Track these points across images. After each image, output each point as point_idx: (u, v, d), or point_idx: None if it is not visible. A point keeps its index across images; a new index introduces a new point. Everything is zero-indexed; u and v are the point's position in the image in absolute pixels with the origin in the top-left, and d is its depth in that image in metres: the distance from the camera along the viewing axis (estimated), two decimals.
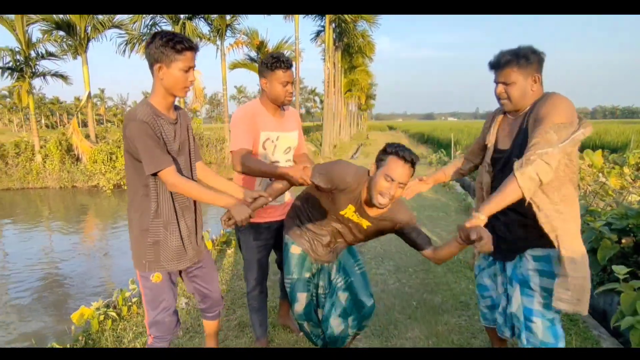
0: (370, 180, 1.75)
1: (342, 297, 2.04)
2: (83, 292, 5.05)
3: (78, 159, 13.16)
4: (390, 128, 54.26)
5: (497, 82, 1.73)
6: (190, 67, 1.63)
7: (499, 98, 1.75)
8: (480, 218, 1.48)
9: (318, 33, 18.55)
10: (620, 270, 2.36)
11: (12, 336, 3.97)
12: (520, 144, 1.69)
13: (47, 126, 65.27)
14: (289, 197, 2.37)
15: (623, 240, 2.85)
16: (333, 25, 17.21)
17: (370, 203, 1.77)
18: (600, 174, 5.24)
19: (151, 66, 1.63)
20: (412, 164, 1.71)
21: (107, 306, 3.07)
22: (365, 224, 1.89)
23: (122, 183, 12.47)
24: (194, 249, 1.86)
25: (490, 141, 1.87)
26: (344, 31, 17.70)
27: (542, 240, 1.65)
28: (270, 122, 2.15)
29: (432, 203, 6.79)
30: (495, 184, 1.76)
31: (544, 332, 1.68)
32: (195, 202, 1.85)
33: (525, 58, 1.65)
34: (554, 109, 1.56)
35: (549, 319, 1.69)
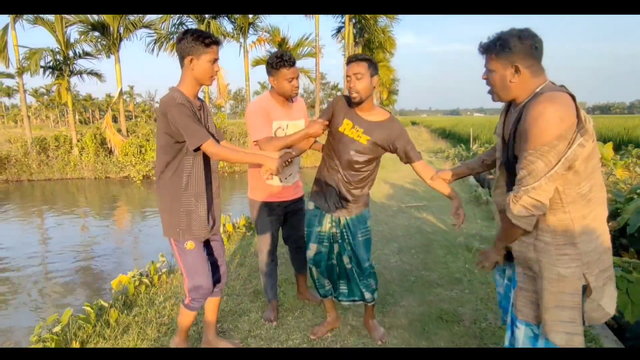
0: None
1: (346, 260, 2.37)
2: (116, 269, 5.58)
3: (111, 152, 14.00)
4: (413, 123, 53.71)
5: (485, 67, 1.59)
6: (216, 59, 1.92)
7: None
8: (496, 257, 1.68)
9: (339, 29, 18.77)
10: None
11: (61, 302, 4.54)
12: (512, 140, 1.55)
13: (80, 122, 68.25)
14: (297, 178, 2.72)
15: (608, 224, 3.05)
16: (353, 21, 17.38)
17: (357, 107, 2.17)
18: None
19: (182, 59, 1.89)
20: (357, 59, 2.10)
21: (141, 275, 3.53)
22: (363, 140, 2.17)
23: (150, 174, 13.20)
24: (215, 220, 2.16)
25: (498, 132, 1.73)
26: (364, 27, 17.84)
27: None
28: (281, 113, 2.49)
29: None
30: (502, 186, 1.70)
31: (523, 340, 1.62)
32: (215, 177, 2.13)
33: (503, 45, 1.46)
34: (535, 126, 1.35)
35: (533, 330, 1.60)
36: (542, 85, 1.46)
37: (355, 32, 19.54)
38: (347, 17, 15.88)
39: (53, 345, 2.39)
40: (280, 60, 2.32)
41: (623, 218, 2.69)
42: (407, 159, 2.21)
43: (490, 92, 1.58)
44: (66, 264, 6.06)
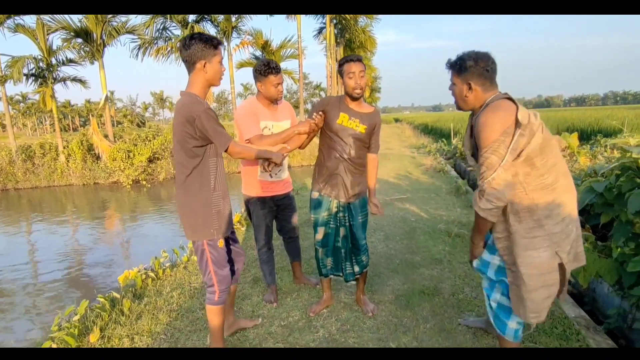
0: (345, 88, 2.45)
1: (347, 241, 2.67)
2: (108, 275, 5.71)
3: (98, 158, 14.01)
4: (396, 120, 54.40)
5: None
6: (222, 59, 2.05)
7: None
8: (477, 250, 1.95)
9: (320, 30, 19.11)
10: None
11: (56, 305, 4.72)
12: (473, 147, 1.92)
13: (60, 129, 66.83)
14: (286, 175, 3.00)
15: None
16: (334, 22, 17.72)
17: (353, 102, 2.48)
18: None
19: (193, 64, 1.93)
20: (358, 59, 2.41)
21: (146, 269, 3.77)
22: (362, 129, 2.49)
23: (140, 178, 13.28)
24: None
25: (465, 143, 2.04)
26: (345, 27, 18.21)
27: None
28: (267, 114, 2.75)
29: (427, 186, 7.40)
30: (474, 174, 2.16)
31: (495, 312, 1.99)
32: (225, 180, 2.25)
33: (460, 65, 1.79)
34: (484, 130, 1.67)
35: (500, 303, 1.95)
36: (491, 97, 1.78)
37: (336, 32, 19.90)
38: (327, 18, 16.20)
39: (76, 332, 2.64)
40: (268, 67, 2.60)
41: (581, 198, 3.07)
42: (367, 148, 2.58)
43: (454, 101, 1.92)
44: (61, 268, 6.19)
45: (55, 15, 13.23)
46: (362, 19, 19.30)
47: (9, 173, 13.64)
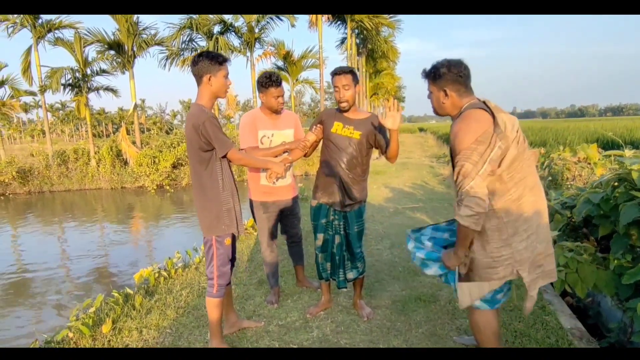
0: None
1: (342, 248, 2.77)
2: (131, 269, 6.07)
3: (126, 163, 14.68)
4: (421, 130, 53.85)
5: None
6: (228, 74, 2.25)
7: None
8: (456, 262, 1.85)
9: (343, 40, 19.36)
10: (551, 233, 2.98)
11: (82, 299, 5.03)
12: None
13: (94, 135, 70.02)
14: (290, 180, 3.11)
15: (569, 213, 3.42)
16: (356, 32, 17.93)
17: (345, 112, 2.60)
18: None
19: (200, 78, 2.16)
20: (343, 72, 2.48)
21: (160, 269, 3.99)
22: (356, 135, 2.58)
23: (164, 183, 13.80)
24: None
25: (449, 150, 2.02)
26: (366, 38, 18.38)
27: None
28: (268, 123, 2.89)
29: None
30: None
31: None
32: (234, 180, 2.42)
33: (435, 73, 1.84)
34: (455, 139, 1.71)
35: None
36: (467, 104, 1.80)
37: (358, 42, 20.12)
38: (349, 28, 16.43)
39: (90, 323, 2.85)
40: (269, 80, 2.74)
41: (578, 209, 3.06)
42: (379, 147, 2.64)
43: (432, 109, 1.98)
44: (87, 265, 6.60)
45: (91, 28, 14.11)
46: (385, 29, 19.46)
47: (45, 176, 14.50)
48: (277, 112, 2.89)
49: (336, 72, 2.50)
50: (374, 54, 22.58)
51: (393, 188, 8.63)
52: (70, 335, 2.76)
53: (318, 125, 2.69)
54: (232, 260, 2.48)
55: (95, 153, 14.95)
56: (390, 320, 2.82)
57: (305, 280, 3.46)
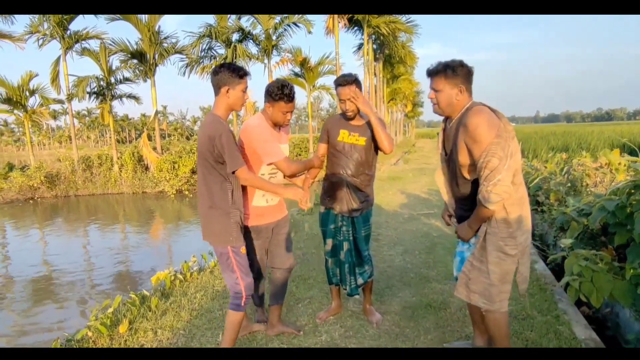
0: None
1: (350, 254, 2.79)
2: (151, 271, 6.23)
3: (147, 168, 15.10)
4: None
5: (430, 88, 1.99)
6: (247, 88, 2.23)
7: (432, 102, 2.02)
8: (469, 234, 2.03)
9: (360, 46, 19.42)
10: (565, 242, 2.93)
11: (104, 298, 5.20)
12: (451, 152, 2.02)
13: (118, 141, 72.28)
14: (278, 199, 2.62)
15: (585, 221, 3.35)
16: (373, 37, 17.97)
17: (350, 119, 2.62)
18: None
19: (219, 89, 2.15)
20: (348, 82, 2.48)
21: (176, 272, 4.10)
22: (362, 141, 2.60)
23: (183, 189, 14.10)
24: None
25: (439, 145, 2.19)
26: (383, 43, 18.39)
27: None
28: (275, 136, 2.50)
29: None
30: (450, 184, 2.15)
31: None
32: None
33: (452, 70, 1.87)
34: (477, 135, 1.77)
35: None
36: (469, 102, 1.92)
37: (375, 47, 20.14)
38: (365, 34, 16.48)
39: (108, 323, 2.96)
40: (281, 93, 2.34)
41: (593, 217, 2.99)
42: (372, 161, 2.68)
43: (434, 106, 2.01)
44: (109, 267, 6.82)
45: (115, 38, 14.65)
46: (402, 35, 19.42)
47: (71, 181, 15.05)
48: (280, 127, 2.55)
49: (340, 84, 2.50)
50: (391, 59, 22.55)
51: (409, 194, 8.58)
52: (90, 334, 2.87)
53: (325, 134, 2.74)
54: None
55: (118, 159, 15.44)
56: (399, 326, 2.82)
57: (279, 324, 2.76)
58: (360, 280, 2.81)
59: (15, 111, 16.30)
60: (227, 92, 2.16)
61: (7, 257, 8.37)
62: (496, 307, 1.96)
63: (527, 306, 2.88)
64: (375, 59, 21.14)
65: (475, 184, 1.92)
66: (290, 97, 2.37)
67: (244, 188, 2.40)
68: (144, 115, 73.75)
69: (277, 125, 2.50)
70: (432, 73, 1.94)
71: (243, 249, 2.28)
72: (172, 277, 3.94)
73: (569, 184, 5.33)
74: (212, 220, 2.22)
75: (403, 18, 17.08)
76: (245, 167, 2.17)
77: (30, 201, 14.60)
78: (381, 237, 5.12)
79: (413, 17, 16.84)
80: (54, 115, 75.74)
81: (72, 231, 10.25)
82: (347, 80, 2.50)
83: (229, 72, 2.14)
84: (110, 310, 3.20)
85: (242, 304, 2.29)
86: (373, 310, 2.97)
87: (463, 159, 1.92)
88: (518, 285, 2.01)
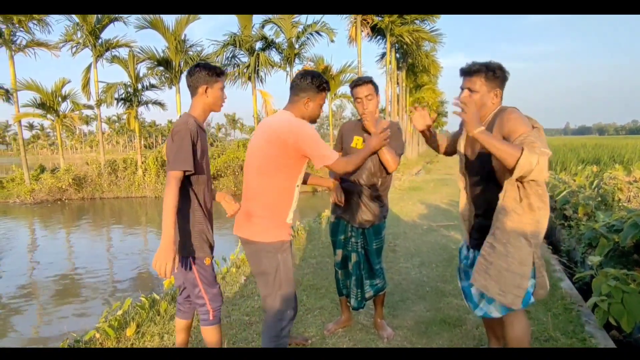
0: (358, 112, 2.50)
1: (360, 267, 2.69)
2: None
3: None
4: None
5: (463, 87, 1.89)
6: (224, 87, 2.11)
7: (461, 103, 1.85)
8: (478, 129, 1.70)
9: (382, 55, 19.35)
10: (593, 259, 2.74)
11: (123, 297, 5.27)
12: (480, 154, 1.93)
13: (145, 146, 74.67)
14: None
15: (616, 238, 3.13)
16: (396, 46, 17.88)
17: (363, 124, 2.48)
18: None
19: (196, 89, 2.03)
20: (364, 82, 2.40)
21: None
22: None
23: None
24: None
25: (461, 149, 2.08)
26: (406, 52, 18.26)
27: None
28: None
29: None
30: (469, 189, 2.06)
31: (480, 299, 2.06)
32: (211, 203, 2.16)
33: (493, 72, 1.81)
34: (515, 122, 1.73)
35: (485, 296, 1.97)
36: (498, 107, 1.89)
37: (398, 56, 20.02)
38: (388, 43, 16.41)
39: (116, 325, 2.96)
40: (326, 84, 2.09)
41: (624, 234, 2.79)
42: (385, 170, 2.53)
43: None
44: (129, 268, 6.95)
45: (143, 46, 15.14)
46: (426, 44, 19.24)
47: (97, 184, 15.52)
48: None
49: (357, 84, 2.44)
50: (414, 68, 22.36)
51: (429, 205, 8.37)
52: (97, 336, 2.87)
53: (340, 139, 2.68)
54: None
55: (142, 163, 15.84)
56: (411, 342, 2.69)
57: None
58: (370, 292, 2.70)
59: (48, 115, 17.03)
60: (206, 91, 2.04)
61: (34, 256, 8.66)
62: (509, 299, 1.80)
63: (550, 327, 2.69)
64: (398, 68, 21.01)
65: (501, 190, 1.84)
66: (329, 87, 2.19)
67: (282, 197, 2.02)
68: (170, 121, 75.88)
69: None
70: (471, 72, 1.86)
71: (208, 260, 2.06)
72: None
73: (599, 198, 5.05)
74: (178, 230, 1.99)
75: (427, 27, 16.94)
76: (180, 173, 1.87)
77: (59, 202, 15.13)
78: (398, 249, 4.98)
79: (437, 25, 16.70)
80: (87, 121, 79.10)
81: (97, 232, 10.54)
82: (364, 80, 2.44)
83: (206, 71, 2.03)
84: (120, 312, 3.19)
85: (211, 317, 2.11)
86: (384, 325, 2.84)
87: (497, 161, 1.83)
88: (536, 290, 1.87)
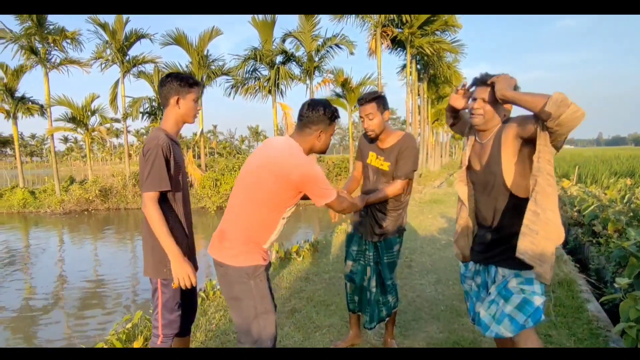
0: None
1: (372, 283, 2.61)
2: None
3: (191, 185, 15.71)
4: None
5: (476, 97, 1.88)
6: (198, 98, 2.04)
7: (472, 112, 1.89)
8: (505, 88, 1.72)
9: (403, 67, 19.26)
10: (621, 281, 2.55)
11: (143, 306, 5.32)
12: (489, 163, 1.89)
13: None
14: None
15: None
16: (417, 57, 17.76)
17: (372, 141, 2.55)
18: None
19: (167, 100, 1.95)
20: (366, 101, 2.39)
21: (200, 290, 4.08)
22: (385, 166, 2.49)
23: (223, 205, 14.45)
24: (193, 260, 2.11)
25: (465, 161, 2.05)
26: (427, 63, 18.11)
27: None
28: None
29: None
30: (474, 201, 2.02)
31: (517, 289, 1.84)
32: (189, 220, 2.12)
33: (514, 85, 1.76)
34: (529, 117, 1.73)
35: (522, 274, 1.84)
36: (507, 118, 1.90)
37: (419, 68, 19.88)
38: (408, 54, 16.33)
39: (124, 338, 2.96)
40: (337, 112, 1.96)
41: None
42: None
43: (476, 117, 1.88)
44: (145, 280, 7.04)
45: (168, 62, 15.66)
46: (448, 55, 19.03)
47: (122, 195, 15.98)
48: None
49: (359, 102, 2.45)
50: (436, 79, 22.12)
51: (450, 218, 8.13)
52: (104, 347, 2.88)
53: (359, 154, 2.71)
54: (192, 307, 2.23)
55: None
56: None
57: None
58: (383, 312, 2.60)
59: (78, 129, 17.78)
60: (177, 102, 1.96)
61: (60, 265, 8.94)
62: (545, 268, 1.71)
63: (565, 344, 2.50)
64: (420, 79, 20.84)
65: (515, 199, 1.82)
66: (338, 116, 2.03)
67: (265, 224, 1.88)
68: (195, 134, 77.95)
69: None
70: (484, 83, 1.84)
71: (175, 284, 1.91)
72: None
73: (631, 213, 4.75)
74: (149, 249, 1.95)
75: (448, 37, 16.77)
76: (155, 194, 1.83)
77: (85, 212, 15.66)
78: (414, 264, 4.82)
79: (458, 36, 16.51)
80: (116, 134, 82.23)
81: (120, 243, 10.80)
82: (366, 98, 2.40)
83: (178, 81, 1.95)
84: (129, 325, 3.20)
85: (159, 343, 1.97)
86: (394, 345, 2.73)
87: (509, 166, 1.81)
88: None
